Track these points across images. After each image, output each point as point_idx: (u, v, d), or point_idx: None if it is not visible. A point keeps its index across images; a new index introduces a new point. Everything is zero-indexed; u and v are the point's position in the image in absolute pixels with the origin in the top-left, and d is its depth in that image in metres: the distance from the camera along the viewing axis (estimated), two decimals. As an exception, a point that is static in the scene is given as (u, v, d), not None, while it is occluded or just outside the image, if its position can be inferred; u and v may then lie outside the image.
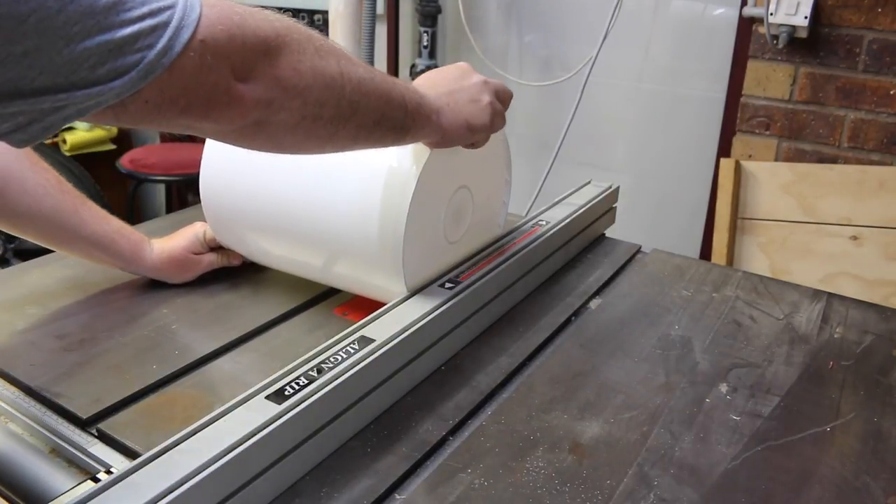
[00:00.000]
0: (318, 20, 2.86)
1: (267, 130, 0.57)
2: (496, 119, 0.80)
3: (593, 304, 0.97)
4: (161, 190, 2.90)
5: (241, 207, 0.92)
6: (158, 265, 0.96)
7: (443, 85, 0.77)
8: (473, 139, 0.80)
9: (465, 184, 0.90)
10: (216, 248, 1.00)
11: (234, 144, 0.59)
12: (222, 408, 0.62)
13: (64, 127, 0.48)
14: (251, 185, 0.90)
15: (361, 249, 0.83)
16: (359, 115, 0.63)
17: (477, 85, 0.79)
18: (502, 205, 1.00)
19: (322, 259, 0.91)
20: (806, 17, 1.77)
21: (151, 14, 0.46)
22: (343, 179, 0.83)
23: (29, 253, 2.54)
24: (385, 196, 0.80)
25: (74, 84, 0.44)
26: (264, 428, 0.60)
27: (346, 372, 0.68)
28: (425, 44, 2.32)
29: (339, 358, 0.70)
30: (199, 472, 0.55)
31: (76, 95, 0.45)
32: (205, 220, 0.98)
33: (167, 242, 0.97)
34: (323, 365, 0.69)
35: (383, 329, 0.75)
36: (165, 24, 0.47)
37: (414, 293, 0.83)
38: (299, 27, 0.58)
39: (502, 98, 0.82)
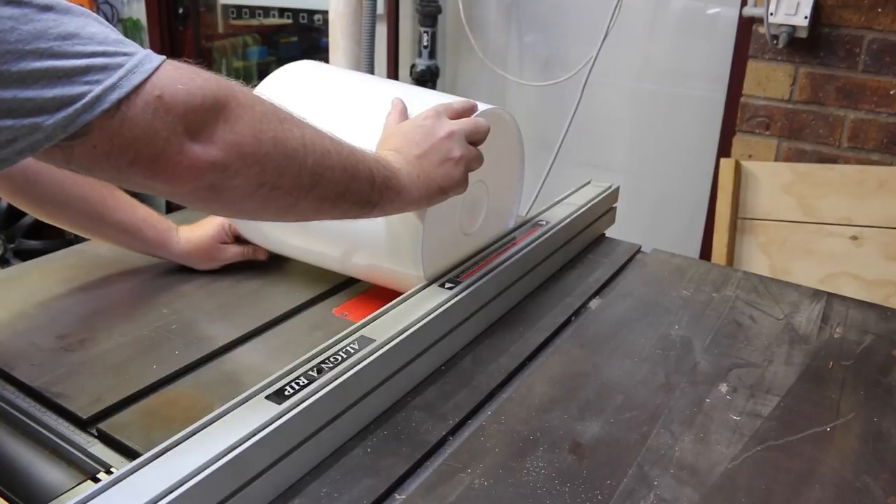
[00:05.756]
0: (318, 20, 2.86)
1: (222, 196, 0.57)
2: (472, 164, 0.80)
3: (593, 304, 0.97)
4: (161, 190, 2.89)
5: None
6: (185, 253, 1.00)
7: (410, 148, 0.76)
8: (449, 198, 0.79)
9: (482, 178, 0.92)
10: (241, 238, 1.02)
11: (190, 207, 0.59)
12: (222, 408, 0.62)
13: (19, 161, 0.50)
14: None
15: (382, 239, 0.86)
16: (320, 188, 0.63)
17: (446, 140, 0.77)
18: (515, 200, 1.02)
19: (343, 249, 0.93)
20: (806, 17, 1.77)
21: (106, 54, 0.49)
22: None
23: (29, 253, 2.54)
24: None
25: (22, 106, 0.46)
26: (264, 428, 0.60)
27: (346, 372, 0.68)
28: (425, 44, 2.32)
29: (339, 358, 0.70)
30: (199, 472, 0.55)
31: (24, 123, 0.46)
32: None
33: (194, 231, 1.00)
34: (323, 365, 0.69)
35: (383, 329, 0.75)
36: (118, 66, 0.49)
37: (427, 284, 0.85)
38: (265, 101, 0.59)
39: (475, 139, 0.80)
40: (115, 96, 0.48)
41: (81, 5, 0.49)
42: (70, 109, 0.47)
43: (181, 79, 0.52)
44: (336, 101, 0.94)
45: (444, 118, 0.79)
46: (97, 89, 0.47)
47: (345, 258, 0.94)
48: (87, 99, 0.47)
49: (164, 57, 0.52)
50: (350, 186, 0.66)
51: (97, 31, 0.49)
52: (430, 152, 0.76)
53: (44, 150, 0.48)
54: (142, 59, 0.50)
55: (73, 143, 0.48)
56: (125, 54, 0.49)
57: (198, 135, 0.53)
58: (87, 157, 0.50)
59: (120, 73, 0.48)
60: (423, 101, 0.87)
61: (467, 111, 0.83)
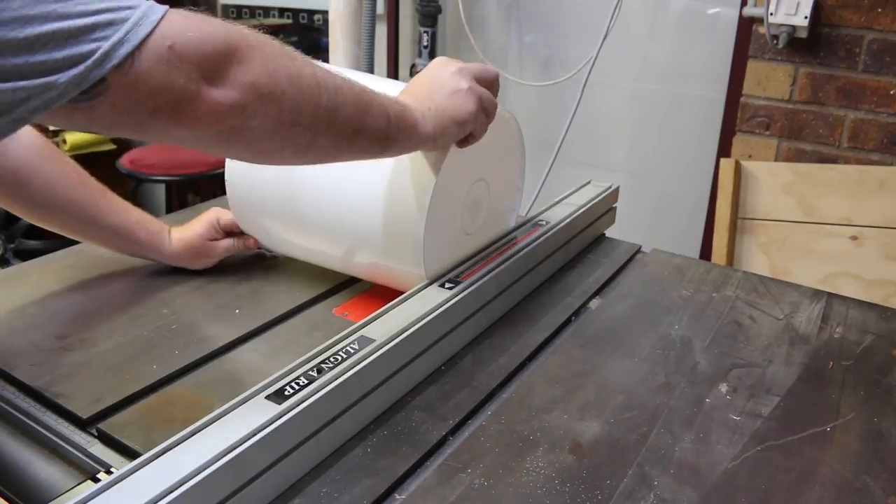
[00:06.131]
0: (318, 20, 2.86)
1: (243, 136, 0.57)
2: (484, 103, 0.78)
3: (593, 304, 0.97)
4: (161, 190, 2.90)
5: (264, 194, 0.95)
6: (176, 253, 0.99)
7: (421, 91, 0.77)
8: (466, 131, 0.78)
9: (483, 177, 0.92)
10: (232, 233, 1.02)
11: (211, 151, 0.60)
12: (222, 408, 0.62)
13: (34, 121, 0.51)
14: (275, 172, 0.92)
15: (384, 237, 0.86)
16: (337, 123, 0.63)
17: (453, 75, 0.77)
18: (516, 199, 1.03)
19: (344, 247, 0.93)
20: (806, 17, 1.77)
21: (110, 10, 0.49)
22: (368, 169, 0.84)
23: (29, 253, 2.54)
24: (408, 188, 0.82)
25: (34, 69, 0.47)
26: (264, 428, 0.60)
27: (346, 372, 0.68)
28: (425, 44, 2.32)
29: (339, 358, 0.70)
30: (199, 472, 0.55)
31: (37, 84, 0.47)
32: (217, 209, 1.01)
33: (185, 231, 1.00)
34: (323, 365, 0.69)
35: (383, 329, 0.75)
36: (123, 20, 0.49)
37: (427, 284, 0.85)
38: (275, 41, 0.59)
39: (485, 80, 0.80)
40: (123, 50, 0.49)
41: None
42: (81, 67, 0.48)
43: (191, 27, 0.52)
44: None
45: (451, 61, 0.79)
46: (105, 45, 0.48)
47: (346, 257, 0.94)
48: (96, 56, 0.48)
49: (167, 7, 0.53)
50: (366, 122, 0.66)
51: None
52: (438, 88, 0.76)
53: (58, 108, 0.49)
54: (146, 11, 0.51)
55: (92, 103, 0.49)
56: (129, 7, 0.50)
57: (214, 79, 0.53)
58: (108, 115, 0.51)
59: (126, 26, 0.49)
60: None
61: (489, 80, 0.81)
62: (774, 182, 1.85)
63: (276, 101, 0.57)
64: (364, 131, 0.67)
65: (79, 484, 0.66)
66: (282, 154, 0.63)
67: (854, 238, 1.79)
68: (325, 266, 0.99)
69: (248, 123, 0.57)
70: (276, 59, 0.58)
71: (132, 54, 0.49)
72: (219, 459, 0.56)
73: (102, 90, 0.49)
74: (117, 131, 0.54)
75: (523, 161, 1.01)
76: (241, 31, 0.56)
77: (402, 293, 0.84)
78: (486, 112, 0.79)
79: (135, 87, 0.50)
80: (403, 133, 0.71)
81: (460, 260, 0.91)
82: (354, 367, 0.69)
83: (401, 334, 0.74)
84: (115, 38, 0.49)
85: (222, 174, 0.95)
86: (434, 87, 0.77)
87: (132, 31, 0.49)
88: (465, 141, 0.80)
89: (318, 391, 0.65)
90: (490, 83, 0.81)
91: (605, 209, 1.17)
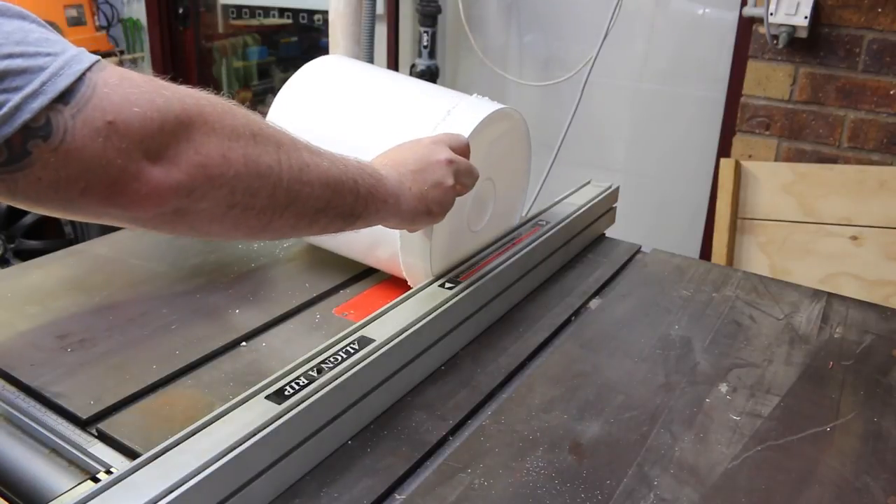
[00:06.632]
0: (318, 20, 2.86)
1: (188, 219, 0.53)
2: (462, 174, 0.77)
3: (593, 304, 0.97)
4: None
5: None
6: None
7: (409, 163, 0.74)
8: (430, 223, 0.77)
9: (490, 176, 0.93)
10: None
11: (151, 231, 0.54)
12: (222, 408, 0.62)
13: None
14: None
15: (394, 233, 0.86)
16: (297, 205, 0.59)
17: (443, 165, 0.74)
18: (521, 198, 1.04)
19: (358, 237, 0.93)
20: (806, 17, 1.77)
21: (25, 55, 0.43)
22: None
23: (29, 253, 2.54)
24: None
25: None
26: (264, 428, 0.60)
27: (346, 372, 0.68)
28: (425, 44, 2.32)
29: (339, 358, 0.70)
30: (199, 472, 0.55)
31: None
32: None
33: None
34: (323, 365, 0.69)
35: (383, 329, 0.75)
36: (39, 69, 0.43)
37: (427, 284, 0.85)
38: (238, 111, 0.55)
39: (466, 181, 0.78)
40: (37, 104, 0.43)
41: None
42: None
43: (138, 100, 0.47)
44: (367, 97, 0.96)
45: (445, 146, 0.77)
46: (15, 98, 0.42)
47: (359, 246, 0.95)
48: (4, 110, 0.42)
49: (98, 57, 0.47)
50: (331, 200, 0.62)
51: (13, 28, 0.44)
52: (426, 171, 0.74)
53: None
54: (68, 60, 0.44)
55: (16, 175, 0.44)
56: (48, 54, 0.44)
57: (158, 157, 0.48)
58: (33, 189, 0.45)
59: (42, 76, 0.43)
60: (446, 99, 0.90)
61: (463, 148, 0.80)
62: (774, 182, 1.85)
63: (228, 183, 0.52)
64: (328, 209, 0.63)
65: (79, 484, 0.66)
66: (232, 235, 0.58)
67: (854, 238, 1.79)
68: (336, 252, 0.99)
69: (194, 206, 0.52)
70: (233, 136, 0.53)
71: (64, 129, 0.43)
72: (219, 459, 0.56)
73: (27, 164, 0.43)
74: (43, 207, 0.48)
75: (529, 162, 1.01)
76: (198, 104, 0.51)
77: (406, 287, 0.84)
78: (463, 185, 0.78)
79: (64, 163, 0.44)
80: (371, 208, 0.67)
81: (466, 256, 0.92)
82: (354, 367, 0.69)
83: (401, 334, 0.74)
84: (27, 90, 0.42)
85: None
86: (422, 167, 0.73)
87: (49, 82, 0.43)
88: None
89: (318, 391, 0.65)
90: (468, 186, 0.79)
91: (605, 209, 1.17)
